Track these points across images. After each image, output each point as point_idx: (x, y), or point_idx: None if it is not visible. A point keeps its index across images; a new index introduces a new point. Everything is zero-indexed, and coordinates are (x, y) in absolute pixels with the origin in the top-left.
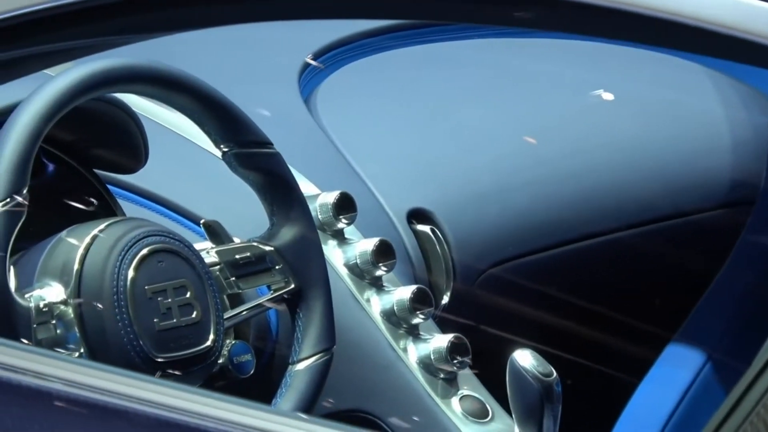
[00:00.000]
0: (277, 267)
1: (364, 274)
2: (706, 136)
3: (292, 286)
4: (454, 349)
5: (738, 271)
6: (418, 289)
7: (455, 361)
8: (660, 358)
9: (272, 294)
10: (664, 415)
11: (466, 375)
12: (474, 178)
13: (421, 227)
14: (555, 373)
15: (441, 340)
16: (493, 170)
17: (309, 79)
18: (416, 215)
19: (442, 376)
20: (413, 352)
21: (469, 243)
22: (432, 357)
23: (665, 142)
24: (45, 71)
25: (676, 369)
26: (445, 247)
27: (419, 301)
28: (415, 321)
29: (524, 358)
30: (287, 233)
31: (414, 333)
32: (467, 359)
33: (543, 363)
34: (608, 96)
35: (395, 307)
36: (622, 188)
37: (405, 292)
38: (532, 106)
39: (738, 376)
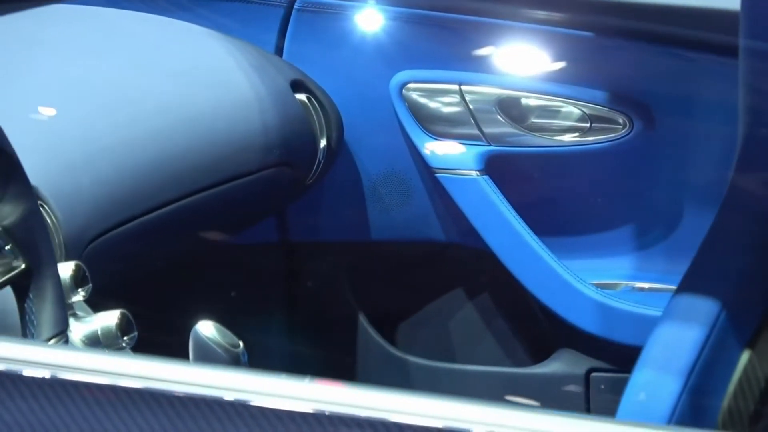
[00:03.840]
0: (6, 248)
1: None
2: (236, 101)
3: (22, 266)
4: (122, 326)
5: (732, 217)
6: (77, 265)
7: (125, 338)
8: (665, 313)
9: (3, 277)
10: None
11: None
12: (63, 147)
13: None
14: (241, 344)
15: (107, 318)
16: (78, 138)
17: None
18: None
19: None
20: (77, 331)
21: (73, 216)
22: (100, 334)
23: (205, 109)
24: None
25: (687, 323)
26: (55, 221)
27: (79, 277)
28: (75, 299)
29: (208, 330)
30: (13, 211)
31: (71, 311)
32: (135, 335)
33: (227, 333)
34: (143, 61)
35: None
36: (181, 155)
37: (64, 270)
38: (90, 72)
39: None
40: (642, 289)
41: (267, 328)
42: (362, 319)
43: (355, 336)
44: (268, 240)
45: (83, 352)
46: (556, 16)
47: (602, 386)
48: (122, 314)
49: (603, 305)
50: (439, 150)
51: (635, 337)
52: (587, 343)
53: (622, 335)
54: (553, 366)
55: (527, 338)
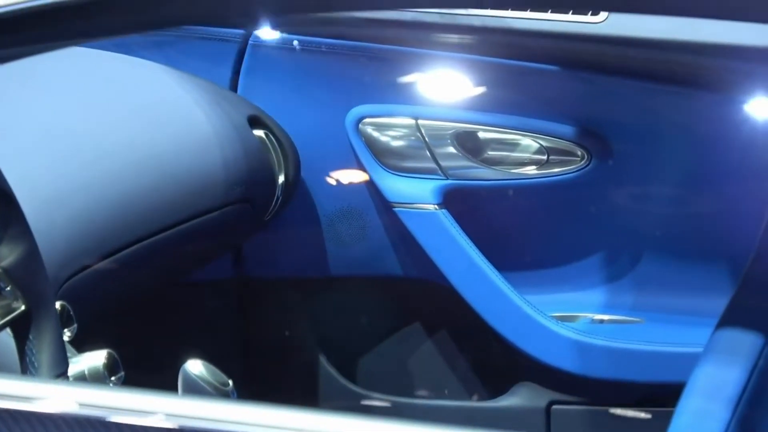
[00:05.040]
0: (7, 289)
1: None
2: (198, 138)
3: (22, 308)
4: (110, 367)
5: None
6: (62, 305)
7: (113, 378)
8: (709, 346)
9: (3, 318)
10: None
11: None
12: (36, 186)
13: None
14: (230, 382)
15: (94, 358)
16: (50, 177)
17: None
18: None
19: None
20: None
21: (49, 256)
22: (87, 375)
23: (168, 146)
24: None
25: (732, 355)
26: None
27: (64, 317)
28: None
29: (197, 368)
30: (12, 252)
31: None
32: (122, 375)
33: (216, 372)
34: (106, 99)
35: None
36: (148, 193)
37: None
38: (62, 111)
39: None
40: (602, 321)
41: (225, 365)
42: (321, 357)
43: (316, 373)
44: (225, 276)
45: (98, 389)
46: (510, 48)
47: (563, 419)
48: (109, 354)
49: (563, 338)
50: (396, 184)
51: (596, 369)
52: (548, 375)
53: (582, 367)
54: (514, 399)
55: (488, 372)
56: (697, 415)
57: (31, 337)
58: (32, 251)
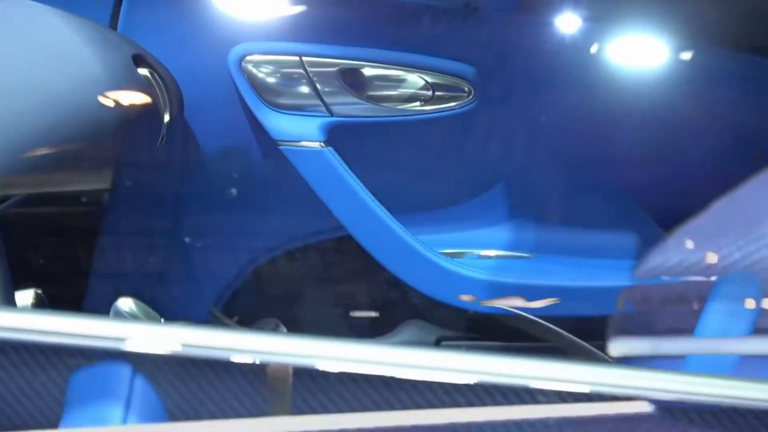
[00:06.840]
0: None
1: None
2: (87, 79)
3: None
4: (38, 306)
5: None
6: None
7: None
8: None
9: None
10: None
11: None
12: None
13: None
14: (162, 320)
15: (23, 297)
16: None
17: None
18: None
19: None
20: None
21: None
22: None
23: (61, 88)
24: None
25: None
26: None
27: None
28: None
29: (128, 305)
30: None
31: None
32: None
33: (148, 310)
34: None
35: None
36: (50, 134)
37: None
38: None
39: None
40: (490, 257)
41: None
42: (213, 309)
43: (201, 314)
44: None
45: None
46: None
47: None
48: (36, 294)
49: (452, 273)
50: (282, 122)
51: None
52: (437, 311)
53: (471, 303)
54: (403, 336)
55: (377, 309)
56: (724, 315)
57: None
58: None
